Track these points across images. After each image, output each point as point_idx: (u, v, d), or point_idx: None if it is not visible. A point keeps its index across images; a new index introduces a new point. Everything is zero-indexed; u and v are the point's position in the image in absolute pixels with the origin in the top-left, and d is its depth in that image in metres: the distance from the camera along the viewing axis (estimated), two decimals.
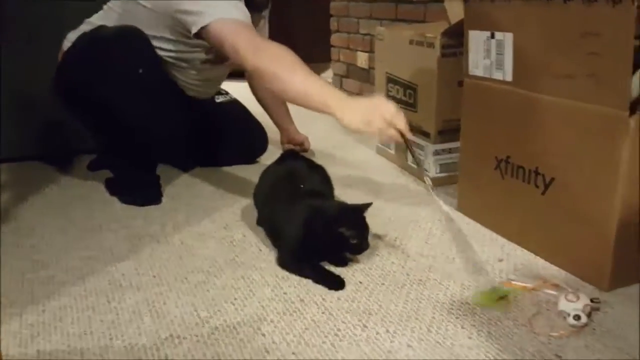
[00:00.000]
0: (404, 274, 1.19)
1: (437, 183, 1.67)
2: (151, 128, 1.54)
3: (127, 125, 1.52)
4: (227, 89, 2.04)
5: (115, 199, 1.64)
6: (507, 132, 1.29)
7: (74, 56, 1.58)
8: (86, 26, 1.63)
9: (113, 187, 1.69)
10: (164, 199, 1.63)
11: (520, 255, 1.26)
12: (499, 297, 1.07)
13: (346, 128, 1.30)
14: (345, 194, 1.59)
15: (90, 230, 1.44)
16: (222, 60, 1.67)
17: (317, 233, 1.18)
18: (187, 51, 1.59)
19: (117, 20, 1.57)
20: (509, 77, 1.27)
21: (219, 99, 1.99)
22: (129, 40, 1.49)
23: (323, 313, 1.05)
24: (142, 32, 1.50)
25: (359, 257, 1.25)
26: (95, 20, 1.62)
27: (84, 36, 1.59)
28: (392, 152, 1.90)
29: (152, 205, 1.59)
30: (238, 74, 1.99)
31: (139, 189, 1.63)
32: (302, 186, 1.32)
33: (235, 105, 2.00)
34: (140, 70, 1.48)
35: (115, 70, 1.46)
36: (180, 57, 1.61)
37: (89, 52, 1.53)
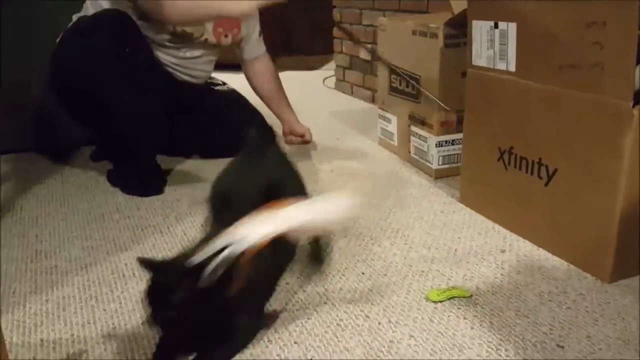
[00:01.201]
0: (406, 265, 1.19)
1: (440, 175, 1.67)
2: (140, 111, 1.55)
3: (116, 109, 1.53)
4: (225, 80, 2.04)
5: (118, 189, 1.64)
6: (510, 122, 1.29)
7: (61, 52, 1.61)
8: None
9: (114, 179, 1.69)
10: (165, 190, 1.63)
11: (523, 247, 1.26)
12: (450, 297, 1.07)
13: (240, 16, 1.40)
14: (347, 186, 1.59)
15: (93, 221, 1.44)
16: (190, 39, 1.71)
17: None
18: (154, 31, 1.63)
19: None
20: (512, 68, 1.26)
21: (217, 89, 1.98)
22: (110, 21, 1.53)
23: (325, 303, 1.06)
24: (124, 12, 1.54)
25: (361, 248, 1.26)
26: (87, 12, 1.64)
27: (67, 31, 1.63)
28: (395, 143, 1.90)
29: (154, 195, 1.59)
30: (235, 66, 2.00)
31: (140, 179, 1.63)
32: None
33: (233, 96, 1.99)
34: (127, 50, 1.50)
35: (102, 52, 1.49)
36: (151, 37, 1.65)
37: (74, 43, 1.57)
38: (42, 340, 0.96)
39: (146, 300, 0.83)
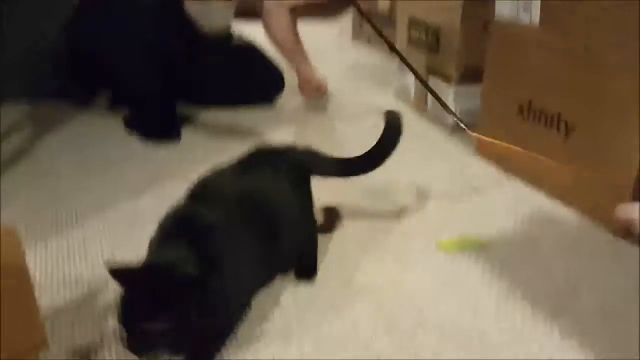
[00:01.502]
0: (419, 214, 1.20)
1: (456, 127, 1.66)
2: (161, 59, 1.57)
3: (139, 57, 1.54)
4: (243, 30, 2.01)
5: (133, 136, 1.65)
6: (531, 76, 1.27)
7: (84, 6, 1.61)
8: None
9: (132, 124, 1.70)
10: (182, 137, 1.64)
11: (537, 199, 1.26)
12: (463, 246, 1.08)
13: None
14: (363, 140, 1.59)
15: (110, 167, 1.45)
16: None
17: None
18: None
19: None
20: (536, 21, 1.24)
21: (235, 39, 1.97)
22: None
23: (342, 248, 1.08)
24: None
25: (374, 199, 1.27)
26: None
27: None
28: (412, 96, 1.88)
29: (171, 141, 1.60)
30: (252, 12, 1.97)
31: (158, 125, 1.64)
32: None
33: (249, 46, 1.97)
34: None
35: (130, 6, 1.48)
36: None
37: None
38: (64, 274, 0.99)
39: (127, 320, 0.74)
